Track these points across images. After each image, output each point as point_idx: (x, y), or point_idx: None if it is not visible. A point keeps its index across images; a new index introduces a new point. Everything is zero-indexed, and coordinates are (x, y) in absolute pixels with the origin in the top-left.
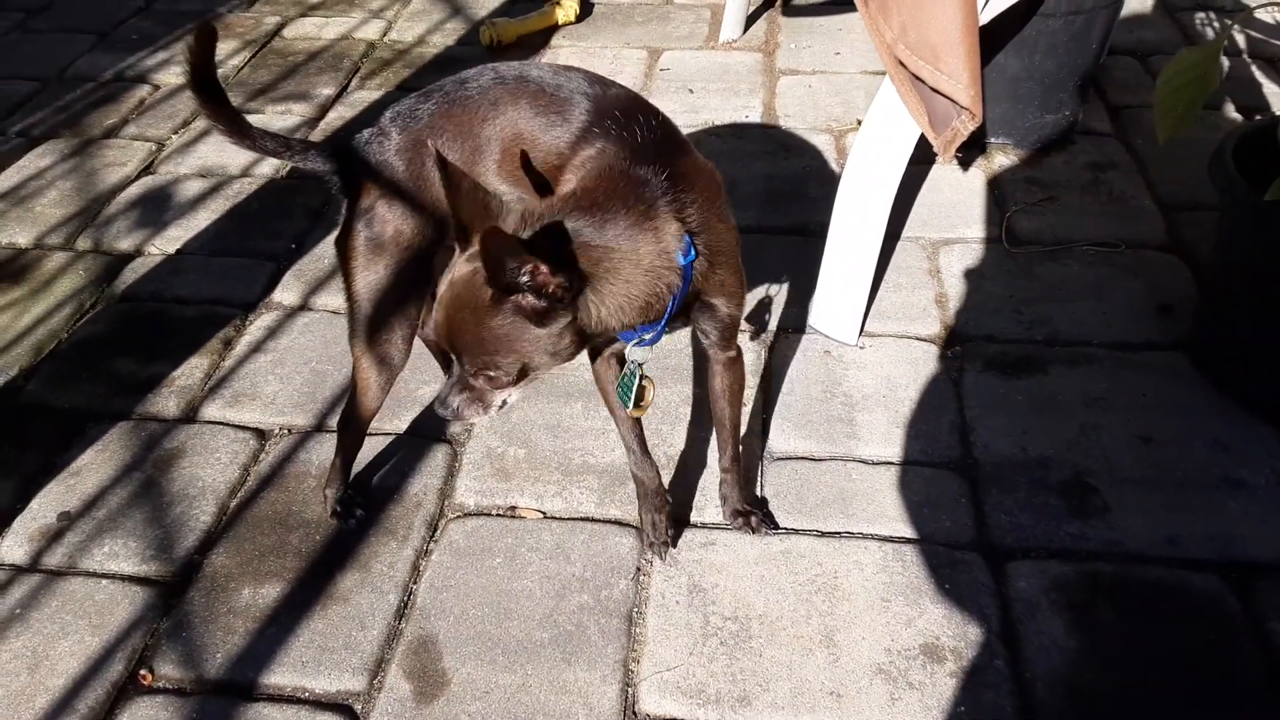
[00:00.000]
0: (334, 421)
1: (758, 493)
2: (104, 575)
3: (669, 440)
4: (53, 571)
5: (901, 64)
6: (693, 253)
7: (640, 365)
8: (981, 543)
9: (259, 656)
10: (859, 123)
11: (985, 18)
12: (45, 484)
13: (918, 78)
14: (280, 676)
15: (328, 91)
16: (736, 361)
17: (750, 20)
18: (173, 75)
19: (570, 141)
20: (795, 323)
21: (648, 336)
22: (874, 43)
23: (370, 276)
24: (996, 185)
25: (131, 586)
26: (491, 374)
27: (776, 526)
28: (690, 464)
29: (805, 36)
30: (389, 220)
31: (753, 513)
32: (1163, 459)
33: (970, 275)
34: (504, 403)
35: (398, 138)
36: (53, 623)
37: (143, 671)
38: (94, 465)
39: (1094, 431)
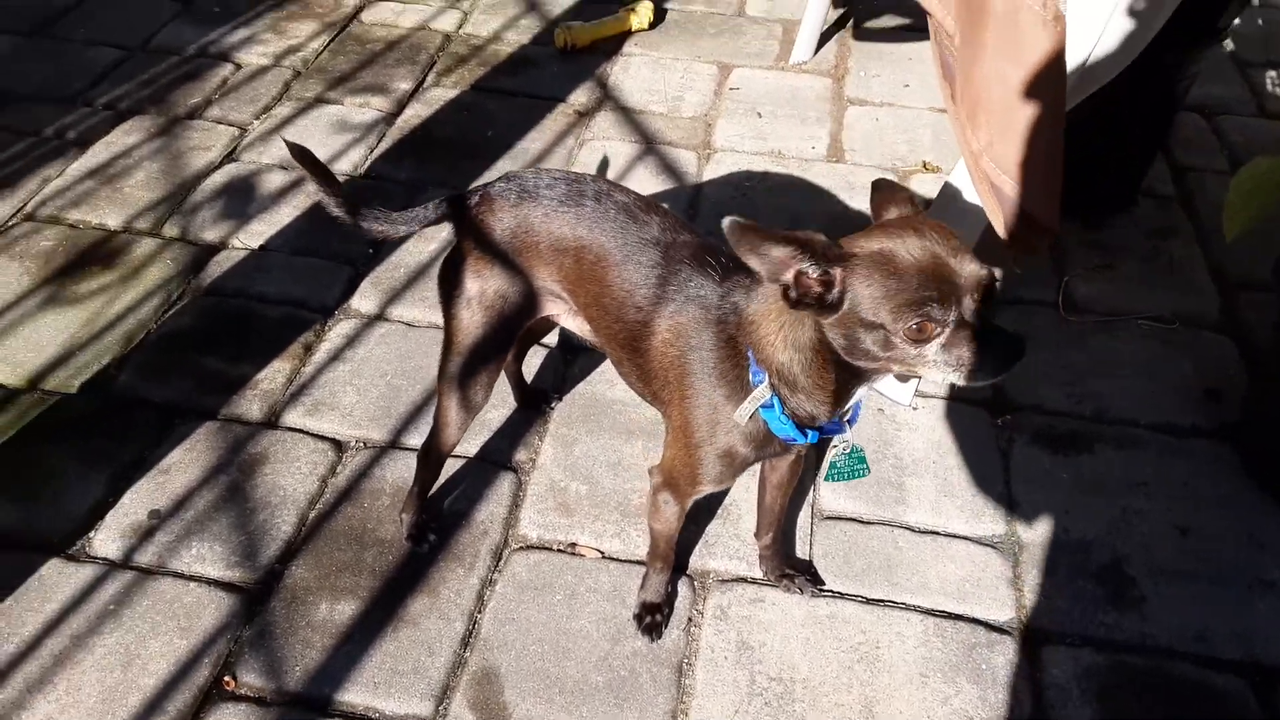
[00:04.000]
0: (408, 439)
1: (808, 552)
2: (191, 577)
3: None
4: (144, 570)
5: (984, 172)
6: None
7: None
8: (1019, 624)
9: (335, 673)
10: (924, 164)
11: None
12: (136, 479)
13: (998, 186)
14: (354, 695)
15: (405, 86)
16: (798, 461)
17: (821, 40)
18: (254, 55)
19: (650, 296)
20: None
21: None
22: (958, 142)
23: (461, 325)
24: (1056, 248)
25: (217, 591)
26: None
27: (821, 584)
28: (747, 514)
29: (875, 64)
30: (481, 280)
31: (796, 575)
32: (1199, 552)
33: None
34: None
35: (505, 210)
36: (144, 621)
37: (227, 677)
38: (182, 464)
39: (1135, 517)
